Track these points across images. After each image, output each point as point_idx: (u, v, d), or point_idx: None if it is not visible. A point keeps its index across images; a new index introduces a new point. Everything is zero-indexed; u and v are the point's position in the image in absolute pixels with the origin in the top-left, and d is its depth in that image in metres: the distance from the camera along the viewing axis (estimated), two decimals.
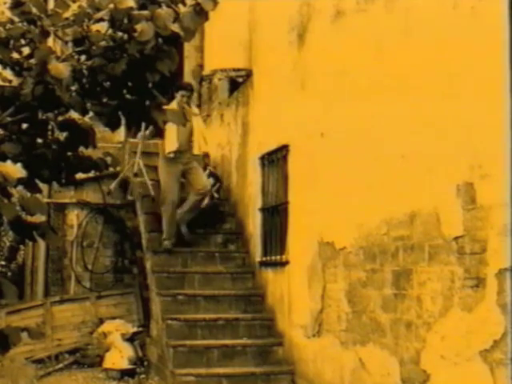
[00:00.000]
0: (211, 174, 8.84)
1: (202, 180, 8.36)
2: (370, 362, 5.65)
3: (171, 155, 8.13)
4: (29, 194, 3.28)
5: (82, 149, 3.42)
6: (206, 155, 8.64)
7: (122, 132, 10.00)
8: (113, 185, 9.40)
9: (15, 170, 2.82)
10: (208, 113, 10.38)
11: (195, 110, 8.64)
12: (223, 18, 7.98)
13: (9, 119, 3.07)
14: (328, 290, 6.36)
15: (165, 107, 3.21)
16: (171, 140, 8.14)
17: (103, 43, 2.99)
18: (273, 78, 7.91)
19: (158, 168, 8.41)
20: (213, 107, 10.13)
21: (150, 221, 8.59)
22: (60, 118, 3.29)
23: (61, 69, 2.87)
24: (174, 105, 8.01)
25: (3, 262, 11.85)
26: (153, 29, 2.95)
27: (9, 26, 3.10)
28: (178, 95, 8.25)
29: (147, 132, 8.50)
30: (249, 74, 8.76)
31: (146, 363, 8.31)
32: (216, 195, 8.88)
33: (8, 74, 3.19)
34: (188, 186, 8.35)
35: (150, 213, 8.66)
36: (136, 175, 8.85)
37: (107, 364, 8.32)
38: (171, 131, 8.02)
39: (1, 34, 3.08)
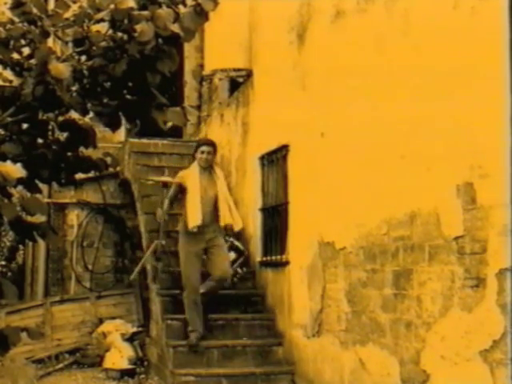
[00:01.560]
0: (232, 248, 7.83)
1: (224, 265, 7.16)
2: (370, 362, 5.65)
3: (193, 230, 6.95)
4: (29, 194, 3.29)
5: (82, 149, 3.43)
6: (231, 228, 7.31)
7: (122, 132, 10.03)
8: (133, 275, 8.29)
9: (15, 169, 2.82)
10: (208, 113, 10.39)
11: (220, 172, 7.40)
12: (223, 18, 7.98)
13: (9, 119, 3.08)
14: (328, 290, 6.36)
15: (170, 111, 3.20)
16: (194, 211, 6.97)
17: (103, 44, 3.00)
18: (273, 78, 7.91)
19: (178, 244, 7.24)
20: (213, 107, 10.13)
21: (168, 304, 7.53)
22: (60, 119, 3.29)
23: (61, 69, 2.87)
24: (194, 165, 7.24)
25: (3, 262, 11.85)
26: (153, 29, 2.95)
27: (9, 26, 3.11)
28: (199, 152, 7.20)
29: (165, 206, 7.28)
30: (249, 74, 8.76)
31: (145, 363, 8.32)
32: (239, 271, 7.86)
33: (8, 74, 3.20)
34: (208, 265, 7.21)
35: (167, 295, 7.61)
36: (158, 260, 7.61)
37: (107, 364, 8.33)
38: (194, 201, 6.97)
39: (1, 34, 3.09)
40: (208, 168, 7.21)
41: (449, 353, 4.66)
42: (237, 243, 7.93)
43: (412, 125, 5.14)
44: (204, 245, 7.05)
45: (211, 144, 7.33)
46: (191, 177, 7.11)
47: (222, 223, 7.08)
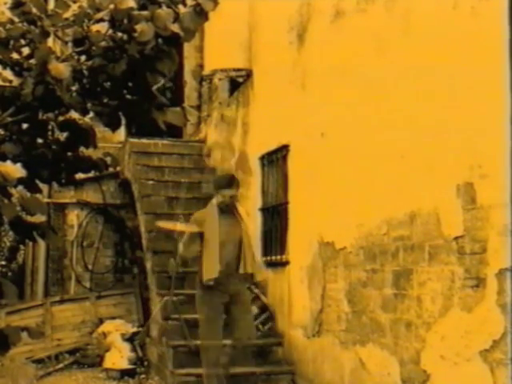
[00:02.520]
0: (255, 301, 6.97)
1: (249, 328, 6.12)
2: (370, 362, 5.65)
3: (211, 283, 5.81)
4: (29, 194, 3.29)
5: (82, 149, 3.43)
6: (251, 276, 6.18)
7: (122, 132, 10.04)
8: (139, 338, 7.85)
9: (15, 169, 2.82)
10: (208, 113, 10.39)
11: (243, 211, 6.17)
12: (223, 17, 7.97)
13: (9, 119, 3.08)
14: (328, 290, 6.36)
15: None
16: (210, 261, 5.84)
17: (103, 43, 3.00)
18: (273, 77, 7.91)
19: (196, 298, 6.14)
20: (213, 107, 10.13)
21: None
22: (60, 119, 3.30)
23: (61, 69, 2.88)
24: (213, 205, 6.06)
25: (3, 262, 11.85)
26: (153, 29, 2.95)
27: (9, 26, 3.11)
28: (219, 195, 5.99)
29: (180, 250, 6.03)
30: (249, 74, 8.76)
31: (146, 363, 8.32)
32: (261, 328, 7.08)
33: (8, 74, 3.20)
34: (229, 326, 6.09)
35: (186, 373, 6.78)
36: (168, 319, 6.87)
37: (107, 364, 8.33)
38: (211, 249, 5.85)
39: (1, 34, 3.09)
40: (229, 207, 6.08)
41: (449, 353, 4.66)
42: (262, 297, 7.08)
43: (412, 125, 5.14)
44: (226, 299, 5.94)
45: (236, 186, 6.09)
46: (209, 220, 5.96)
47: (244, 270, 5.96)
